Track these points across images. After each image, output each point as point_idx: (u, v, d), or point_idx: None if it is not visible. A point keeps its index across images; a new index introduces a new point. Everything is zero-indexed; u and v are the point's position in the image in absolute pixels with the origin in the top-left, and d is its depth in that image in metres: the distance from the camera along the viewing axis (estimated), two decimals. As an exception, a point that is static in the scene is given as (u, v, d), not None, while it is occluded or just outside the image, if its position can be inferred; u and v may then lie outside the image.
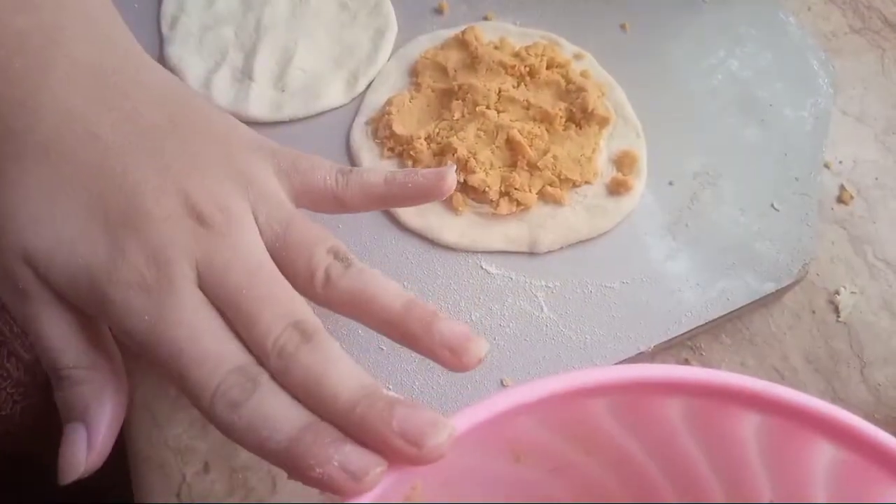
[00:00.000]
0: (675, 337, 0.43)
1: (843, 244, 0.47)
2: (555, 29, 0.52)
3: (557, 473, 0.33)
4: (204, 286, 0.30)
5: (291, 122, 0.49)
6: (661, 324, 0.43)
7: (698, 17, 0.54)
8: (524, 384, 0.27)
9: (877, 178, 0.49)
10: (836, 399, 0.43)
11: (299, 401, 0.28)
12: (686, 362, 0.44)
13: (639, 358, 0.43)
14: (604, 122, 0.48)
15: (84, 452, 0.31)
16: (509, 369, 0.42)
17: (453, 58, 0.50)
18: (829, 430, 0.26)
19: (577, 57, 0.51)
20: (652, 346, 0.43)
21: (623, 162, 0.47)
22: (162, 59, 0.50)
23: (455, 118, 0.47)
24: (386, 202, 0.36)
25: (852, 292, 0.46)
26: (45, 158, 0.31)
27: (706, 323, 0.43)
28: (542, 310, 0.43)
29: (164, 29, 0.51)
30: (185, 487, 0.41)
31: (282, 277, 0.31)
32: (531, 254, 0.45)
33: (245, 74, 0.50)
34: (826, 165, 0.49)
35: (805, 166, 0.48)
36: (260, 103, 0.49)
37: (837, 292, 0.46)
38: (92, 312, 0.31)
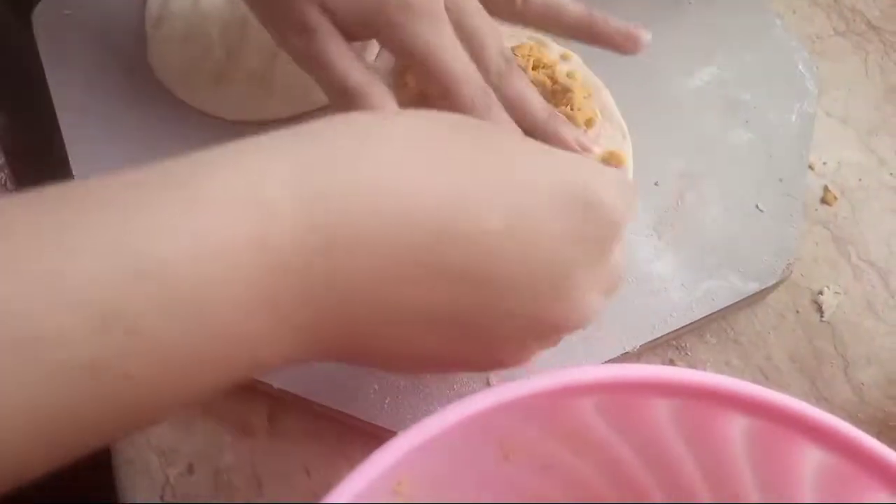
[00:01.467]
0: (661, 337, 0.43)
1: (826, 245, 0.47)
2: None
3: (545, 472, 0.33)
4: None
5: (276, 121, 0.48)
6: (646, 323, 0.43)
7: (683, 18, 0.54)
8: (511, 382, 0.27)
9: (860, 180, 0.49)
10: (820, 398, 0.44)
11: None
12: (671, 362, 0.44)
13: (624, 358, 0.43)
14: (590, 123, 0.48)
15: None
16: (496, 369, 0.42)
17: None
18: (817, 434, 0.27)
19: (564, 58, 0.51)
20: (637, 346, 0.43)
21: (609, 163, 0.47)
22: (145, 59, 0.50)
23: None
24: (570, 30, 0.43)
25: (836, 292, 0.46)
26: None
27: (691, 323, 0.44)
28: (528, 310, 0.43)
29: (149, 28, 0.51)
30: (169, 489, 0.41)
31: None
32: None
33: (229, 73, 0.49)
34: (810, 167, 0.49)
35: (789, 167, 0.48)
36: (243, 102, 0.49)
37: (821, 292, 0.46)
38: (370, 36, 0.39)
